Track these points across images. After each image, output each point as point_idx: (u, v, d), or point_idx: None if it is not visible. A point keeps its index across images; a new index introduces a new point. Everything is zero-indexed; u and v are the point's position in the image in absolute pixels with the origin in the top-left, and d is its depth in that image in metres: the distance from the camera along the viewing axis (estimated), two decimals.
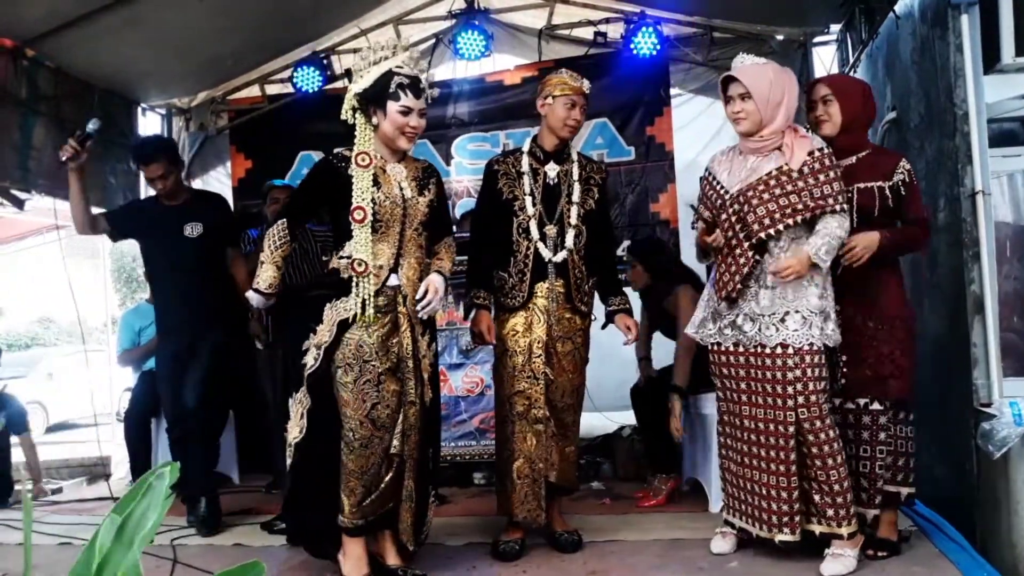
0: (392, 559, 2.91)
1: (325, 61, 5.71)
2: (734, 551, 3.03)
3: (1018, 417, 2.84)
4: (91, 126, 3.55)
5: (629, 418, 4.71)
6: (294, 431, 2.88)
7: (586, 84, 3.24)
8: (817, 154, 2.84)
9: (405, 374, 2.87)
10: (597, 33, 5.45)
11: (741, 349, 2.94)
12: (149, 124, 5.97)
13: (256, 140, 6.07)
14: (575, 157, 3.30)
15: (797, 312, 2.82)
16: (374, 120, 2.83)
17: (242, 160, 6.13)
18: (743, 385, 2.95)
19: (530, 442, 3.15)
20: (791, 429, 2.79)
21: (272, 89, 6.08)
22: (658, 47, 5.24)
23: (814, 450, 2.78)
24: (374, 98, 2.81)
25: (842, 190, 2.82)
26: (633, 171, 5.54)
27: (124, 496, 1.21)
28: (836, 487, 2.78)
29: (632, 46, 5.24)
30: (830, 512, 2.79)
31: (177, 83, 5.81)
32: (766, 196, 2.85)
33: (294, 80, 5.67)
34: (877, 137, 4.31)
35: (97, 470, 5.57)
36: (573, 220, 3.22)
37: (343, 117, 2.87)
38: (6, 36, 4.41)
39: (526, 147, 3.31)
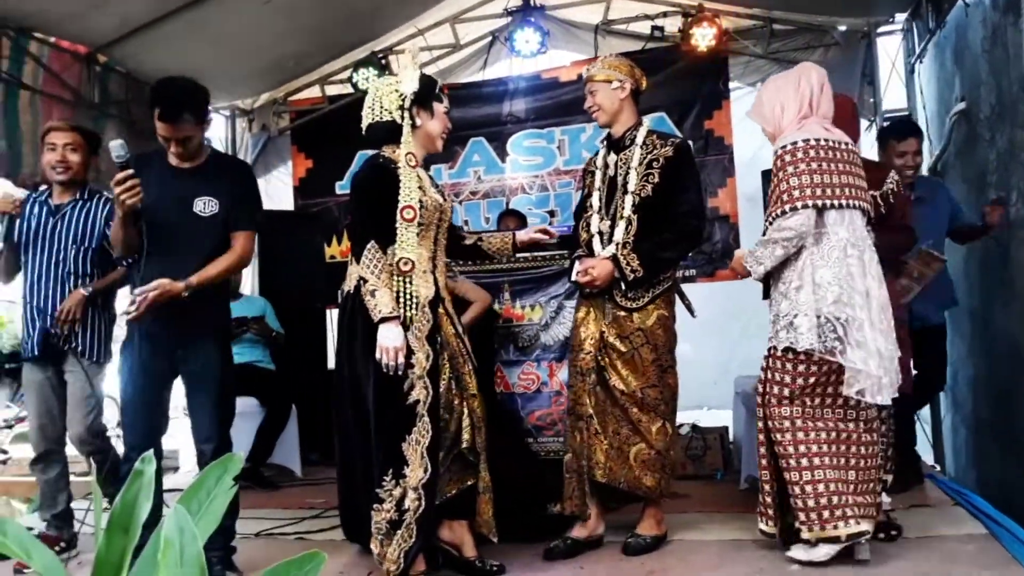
0: (469, 551, 2.92)
1: (383, 61, 5.79)
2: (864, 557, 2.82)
3: None
4: (119, 152, 2.73)
5: (688, 417, 4.67)
6: (418, 473, 2.66)
7: (594, 68, 3.19)
8: (779, 151, 2.85)
9: (459, 370, 2.89)
10: (654, 27, 5.41)
11: None
12: (213, 126, 6.12)
13: (316, 140, 6.18)
14: (640, 141, 3.15)
15: (770, 316, 2.89)
16: (417, 121, 2.84)
17: (303, 160, 6.26)
18: None
19: (576, 438, 3.14)
20: (760, 425, 2.90)
21: (332, 90, 6.19)
22: (716, 40, 5.17)
23: (775, 449, 2.85)
24: (421, 99, 2.83)
25: (793, 187, 2.74)
26: None
27: (188, 488, 1.26)
28: (792, 490, 2.79)
29: (690, 40, 5.18)
30: (796, 512, 2.82)
31: (240, 85, 5.95)
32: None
33: (353, 80, 5.75)
34: (945, 129, 4.19)
35: (168, 463, 5.73)
36: (626, 211, 3.10)
37: (388, 118, 2.80)
38: (80, 43, 4.58)
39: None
